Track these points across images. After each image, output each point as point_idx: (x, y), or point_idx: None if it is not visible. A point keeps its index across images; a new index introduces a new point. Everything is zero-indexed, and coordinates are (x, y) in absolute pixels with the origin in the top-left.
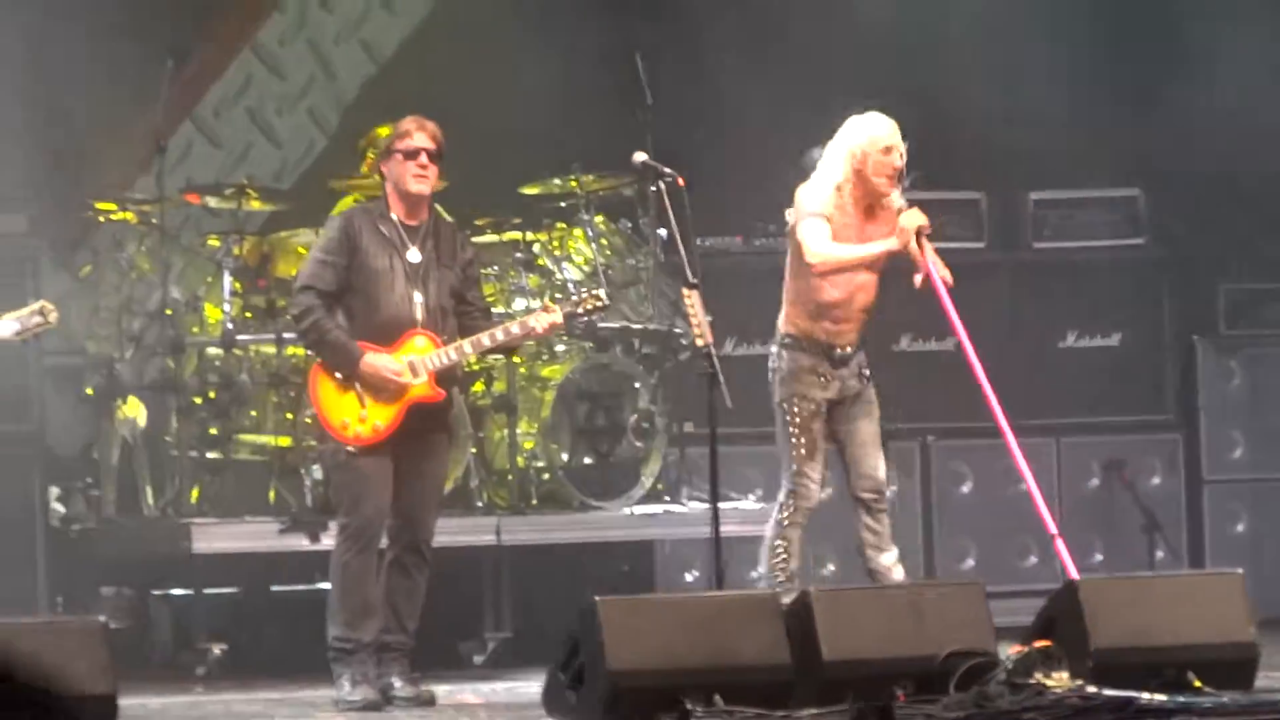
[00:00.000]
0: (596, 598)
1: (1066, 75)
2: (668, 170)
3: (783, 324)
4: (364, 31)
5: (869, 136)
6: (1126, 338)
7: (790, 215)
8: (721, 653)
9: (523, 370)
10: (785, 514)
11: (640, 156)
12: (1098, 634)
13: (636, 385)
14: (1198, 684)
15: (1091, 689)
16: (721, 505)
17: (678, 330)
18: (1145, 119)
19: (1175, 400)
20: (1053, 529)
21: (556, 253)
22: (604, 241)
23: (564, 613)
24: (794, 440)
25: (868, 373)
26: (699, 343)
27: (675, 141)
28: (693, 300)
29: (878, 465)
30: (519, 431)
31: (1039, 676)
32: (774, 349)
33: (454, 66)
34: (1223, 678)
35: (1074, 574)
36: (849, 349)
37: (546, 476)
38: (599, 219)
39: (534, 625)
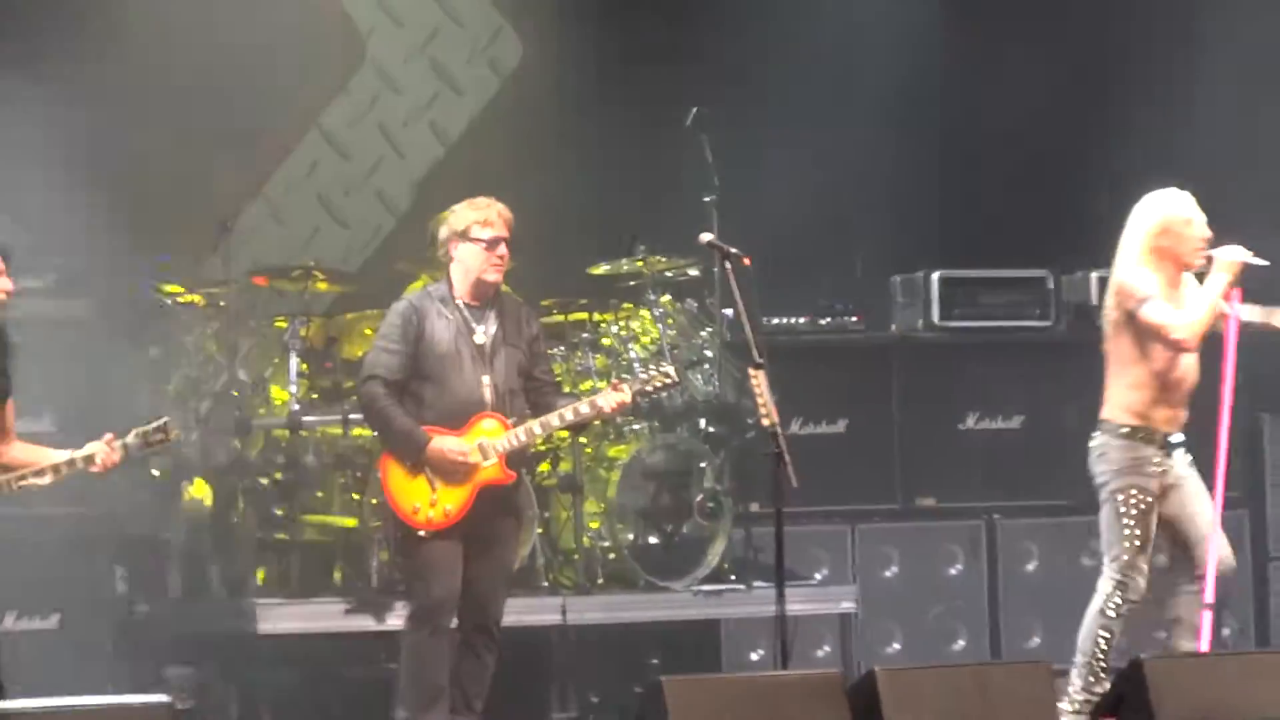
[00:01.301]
0: (662, 677)
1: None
2: (733, 250)
3: (1117, 414)
4: (432, 113)
5: (1168, 210)
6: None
7: (1110, 308)
8: None
9: (589, 450)
10: (1111, 606)
11: (706, 236)
12: (1164, 712)
13: (703, 465)
14: None
15: None
16: (787, 585)
17: (744, 410)
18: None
19: (1242, 476)
20: (1209, 599)
21: (623, 333)
22: (670, 321)
23: (629, 693)
24: (1127, 532)
25: (1190, 457)
26: (765, 422)
27: (743, 221)
28: (759, 379)
29: (1225, 547)
30: (585, 511)
31: None
32: (1103, 438)
33: (520, 146)
34: None
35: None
36: (1179, 435)
37: (612, 556)
38: (665, 299)
39: (599, 705)
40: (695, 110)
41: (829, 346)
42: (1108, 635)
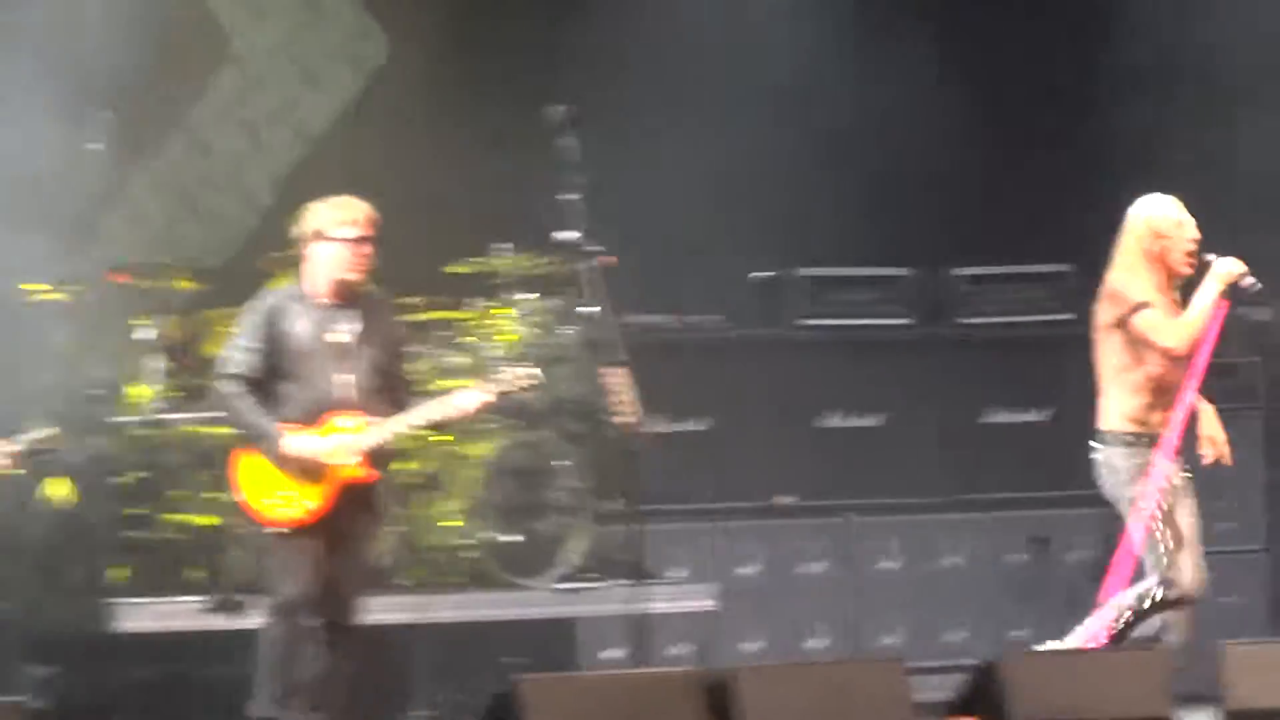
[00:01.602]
0: (517, 676)
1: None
2: (595, 248)
3: (1115, 422)
4: (296, 109)
5: (1156, 215)
6: (1058, 413)
7: (1105, 313)
8: None
9: (449, 448)
10: (1149, 597)
11: (566, 235)
12: (1019, 710)
13: (563, 463)
14: None
15: None
16: (646, 583)
17: (605, 408)
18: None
19: None
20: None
21: (484, 331)
22: (532, 320)
23: (487, 692)
24: (1160, 535)
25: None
26: (625, 421)
27: (607, 219)
28: (620, 378)
29: (1201, 562)
30: (444, 509)
31: None
32: (1105, 450)
33: (385, 143)
34: None
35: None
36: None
37: (471, 554)
38: (527, 297)
39: (456, 704)
40: (561, 108)
41: (693, 344)
42: (1132, 618)
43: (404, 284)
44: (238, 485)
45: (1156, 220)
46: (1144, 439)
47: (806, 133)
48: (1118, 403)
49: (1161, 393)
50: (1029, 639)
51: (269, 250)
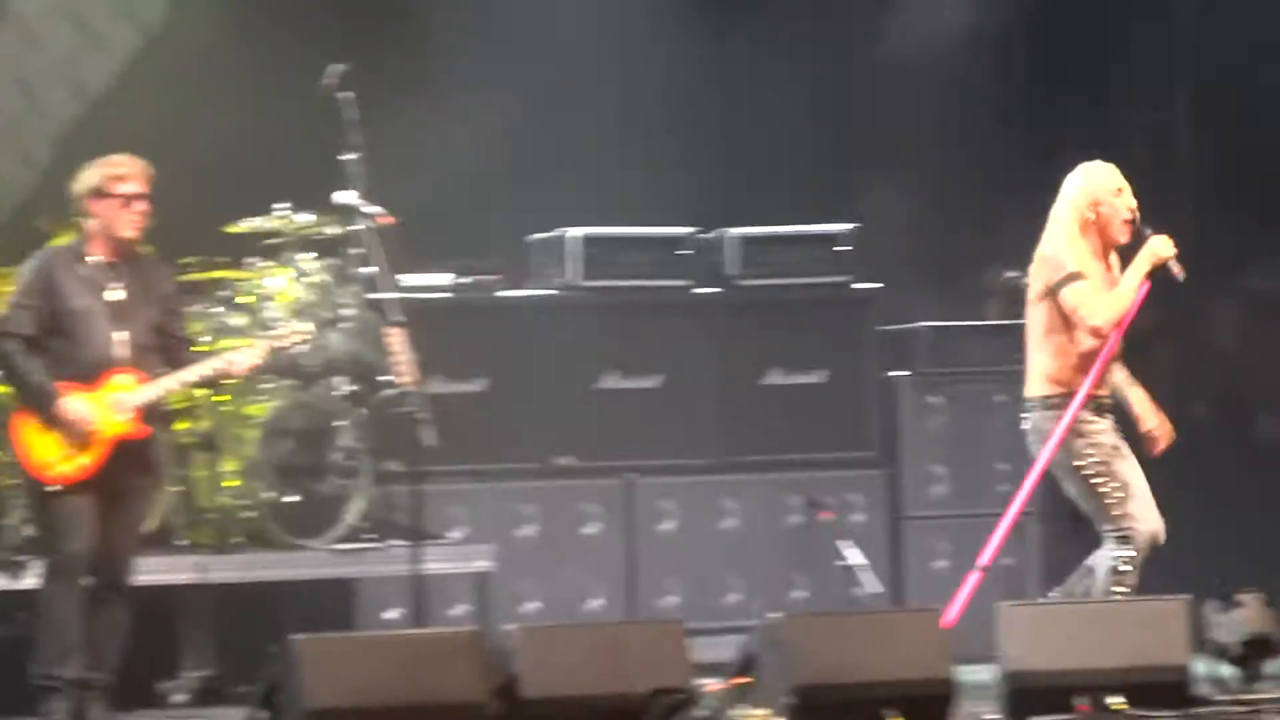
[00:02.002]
0: (294, 636)
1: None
2: (374, 208)
3: (1038, 387)
4: (73, 69)
5: (1096, 182)
6: (832, 374)
7: (1036, 279)
8: (421, 691)
9: (227, 408)
10: (1121, 562)
11: (343, 196)
12: (797, 671)
13: (341, 423)
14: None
15: None
16: (424, 543)
17: (383, 369)
18: (852, 157)
19: (878, 437)
20: (982, 562)
21: (262, 291)
22: (310, 280)
23: (265, 651)
24: (1104, 491)
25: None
26: (403, 381)
27: (388, 179)
28: (397, 338)
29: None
30: (223, 469)
31: (738, 713)
32: (1032, 417)
33: (164, 103)
34: (921, 713)
35: (953, 614)
36: (1108, 399)
37: (250, 514)
38: (305, 257)
39: (235, 664)
40: (340, 67)
41: (470, 305)
42: (1124, 590)
43: (184, 244)
44: (16, 443)
45: (1096, 187)
46: (1067, 400)
47: (586, 94)
48: (1042, 367)
49: (1086, 359)
50: (807, 600)
51: (47, 210)
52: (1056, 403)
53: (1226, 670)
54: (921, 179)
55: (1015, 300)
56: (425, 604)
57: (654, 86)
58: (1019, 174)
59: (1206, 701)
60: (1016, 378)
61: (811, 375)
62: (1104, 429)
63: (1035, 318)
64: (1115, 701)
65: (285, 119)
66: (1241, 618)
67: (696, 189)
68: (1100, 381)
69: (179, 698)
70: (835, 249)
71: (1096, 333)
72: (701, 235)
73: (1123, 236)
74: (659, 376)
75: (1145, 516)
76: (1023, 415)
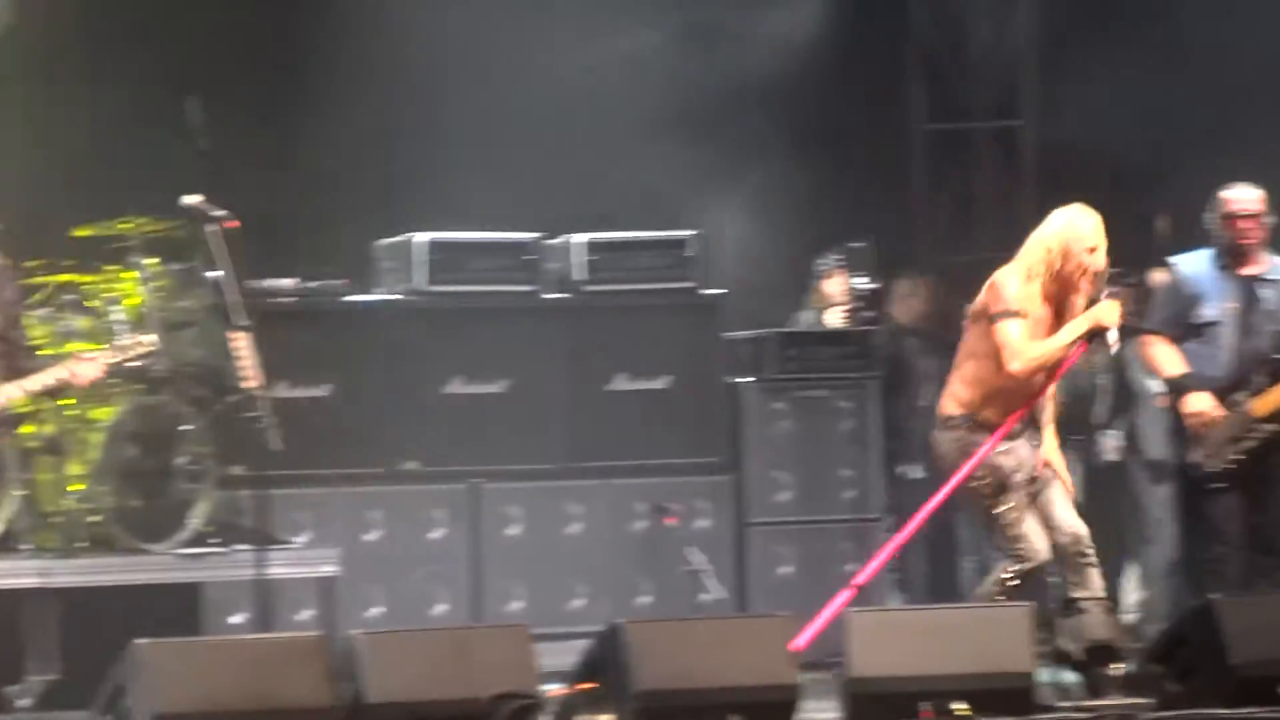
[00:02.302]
0: (139, 641)
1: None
2: (219, 212)
3: (947, 406)
4: None
5: (1073, 233)
6: (677, 380)
7: (979, 300)
8: (266, 696)
9: (72, 411)
10: (1007, 574)
11: (191, 199)
12: (642, 676)
13: (187, 427)
14: None
15: None
16: (269, 548)
17: (229, 373)
18: (698, 163)
19: (723, 443)
20: (859, 581)
21: (108, 295)
22: (156, 284)
23: (110, 656)
24: (997, 511)
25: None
26: (248, 385)
27: (235, 182)
28: (242, 342)
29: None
30: (67, 473)
31: (583, 718)
32: (936, 435)
33: (10, 107)
34: (764, 719)
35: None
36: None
37: (95, 519)
38: (151, 261)
39: (80, 668)
40: (190, 98)
41: (316, 310)
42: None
43: (28, 248)
44: None
45: (1072, 237)
46: (967, 421)
47: (432, 99)
48: (955, 387)
49: (997, 391)
50: (652, 605)
51: None
52: (955, 424)
53: (1070, 677)
54: (767, 186)
55: (866, 306)
56: (271, 608)
57: (503, 95)
58: (865, 181)
59: (1050, 708)
60: (861, 384)
61: (657, 381)
62: (1005, 451)
63: (967, 339)
64: (960, 708)
65: (132, 122)
66: (1085, 625)
67: (544, 195)
68: (1019, 418)
69: (23, 702)
70: (681, 255)
71: (1012, 375)
72: (548, 241)
73: (1080, 292)
74: (505, 382)
75: (1035, 537)
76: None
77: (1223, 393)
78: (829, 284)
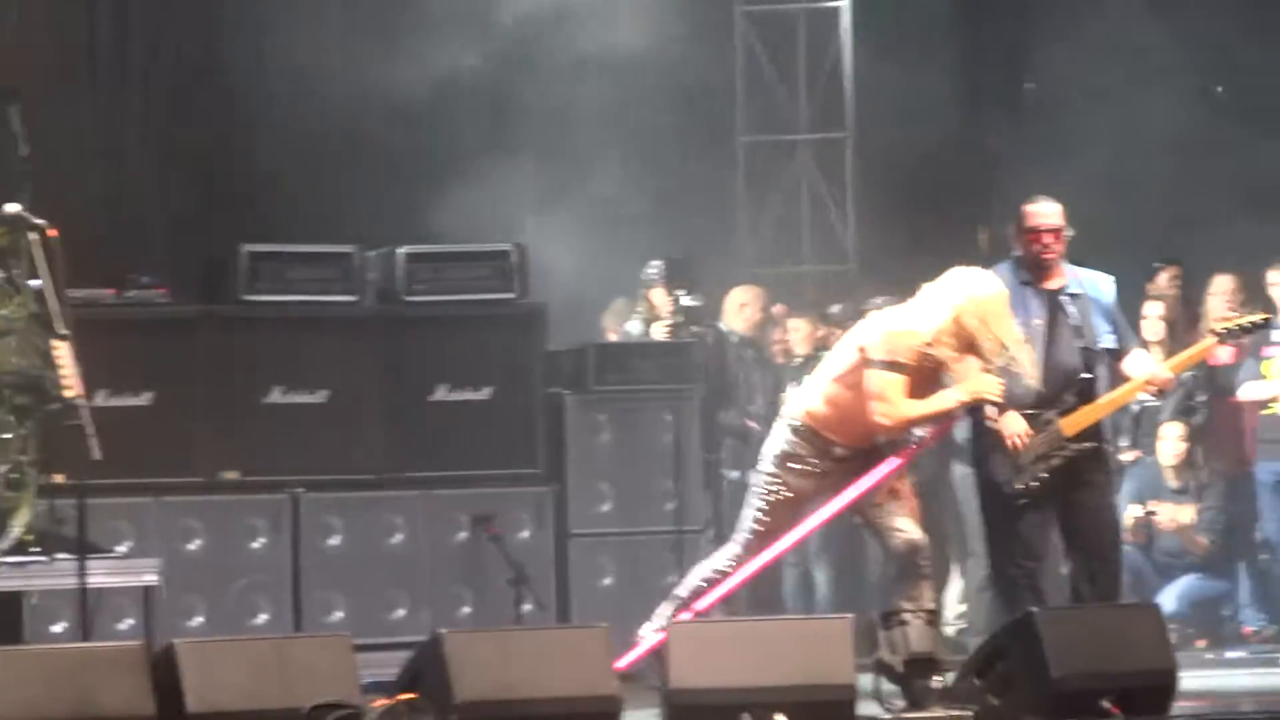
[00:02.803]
0: None
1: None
2: (39, 221)
3: (796, 410)
4: None
5: (991, 308)
6: (498, 391)
7: (870, 334)
8: (86, 705)
9: None
10: (725, 563)
11: (12, 207)
12: (463, 687)
13: (7, 436)
14: None
15: None
16: (90, 557)
17: (49, 381)
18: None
19: (544, 454)
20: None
21: None
22: None
23: None
24: (757, 515)
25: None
26: (68, 394)
27: (55, 190)
28: (62, 351)
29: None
30: None
31: None
32: (776, 427)
33: None
34: None
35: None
36: (848, 450)
37: None
38: None
39: None
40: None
41: (137, 319)
42: (706, 585)
43: None
44: None
45: (991, 314)
46: (804, 432)
47: (253, 109)
48: (813, 397)
49: (852, 422)
50: (473, 617)
51: None
52: (800, 431)
53: (890, 689)
54: (590, 200)
55: (689, 320)
56: (92, 617)
57: (328, 108)
58: (692, 194)
59: None
60: (683, 396)
61: (478, 392)
62: (806, 470)
63: (842, 353)
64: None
65: None
66: (904, 637)
67: (366, 207)
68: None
69: None
70: (503, 267)
71: (875, 426)
72: (370, 252)
73: (992, 358)
74: (325, 392)
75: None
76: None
77: (1032, 411)
78: (654, 296)
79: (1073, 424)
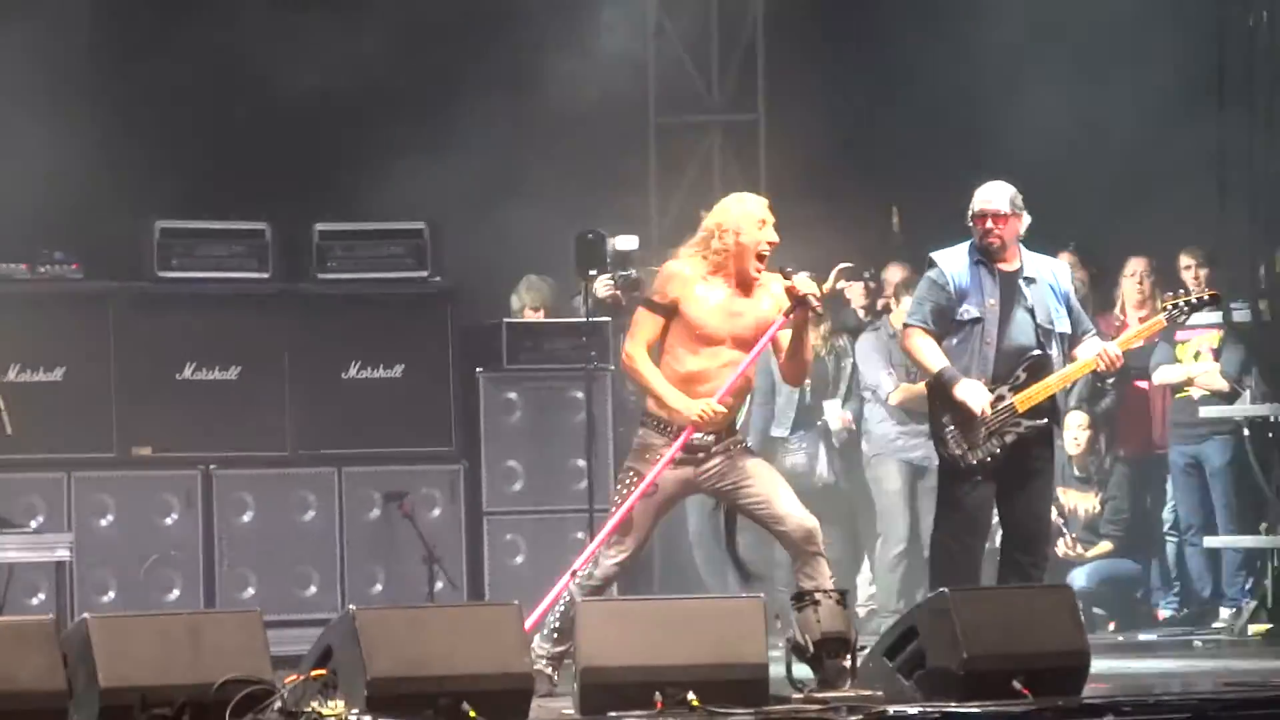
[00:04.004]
0: None
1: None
2: None
3: (648, 400)
4: None
5: (741, 209)
6: (410, 369)
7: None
8: None
9: None
10: (582, 575)
11: None
12: (374, 664)
13: None
14: (473, 714)
15: (367, 719)
16: (1, 531)
17: None
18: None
19: (456, 432)
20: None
21: None
22: None
23: None
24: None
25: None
26: None
27: None
28: None
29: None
30: None
31: (314, 705)
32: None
33: None
34: (497, 707)
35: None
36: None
37: None
38: None
39: None
40: None
41: (48, 295)
42: (567, 598)
43: None
44: None
45: (742, 214)
46: (652, 421)
47: (173, 91)
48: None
49: (686, 387)
50: (385, 594)
51: None
52: (642, 420)
53: (801, 669)
54: (501, 177)
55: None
56: (3, 592)
57: (234, 81)
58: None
59: (782, 700)
60: (595, 375)
61: (391, 370)
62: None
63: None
64: (691, 698)
65: None
66: (816, 616)
67: (278, 183)
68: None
69: None
70: (415, 245)
71: (621, 358)
72: (283, 229)
73: (754, 269)
74: (237, 368)
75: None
76: None
77: (986, 387)
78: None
79: (1025, 400)
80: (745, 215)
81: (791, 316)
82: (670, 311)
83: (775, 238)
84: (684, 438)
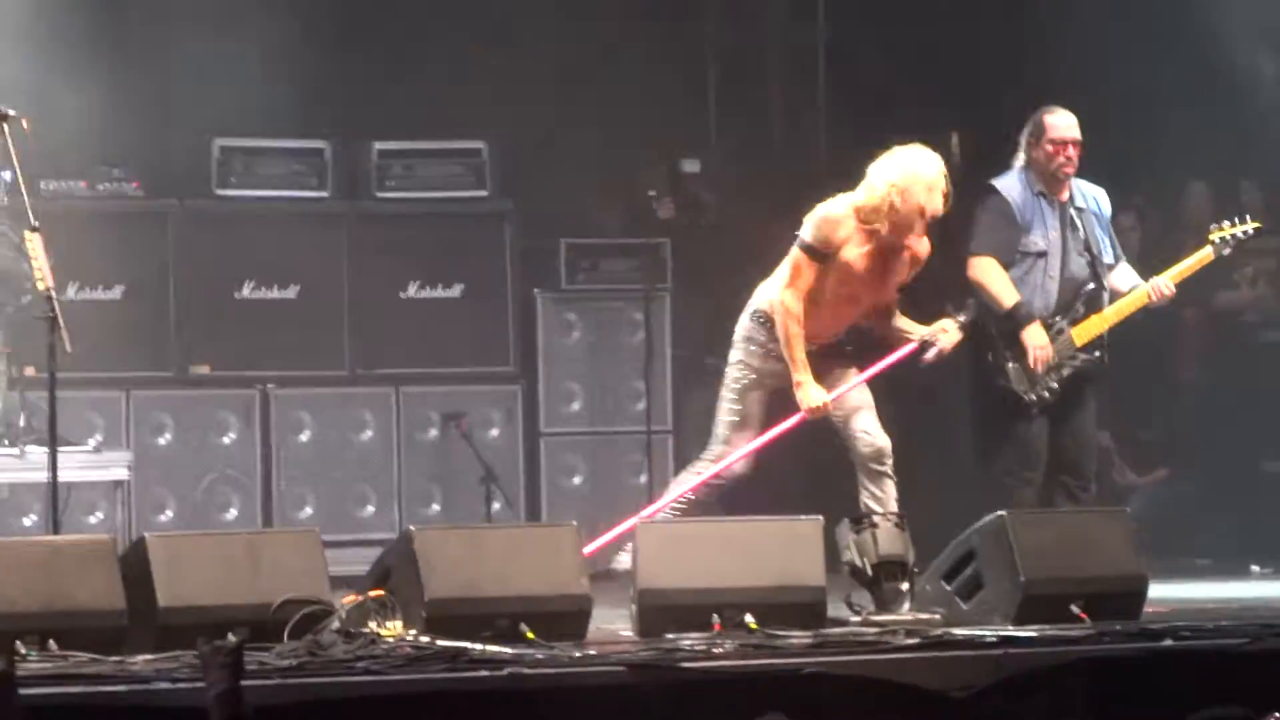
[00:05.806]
0: None
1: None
2: (11, 111)
3: (759, 299)
4: None
5: (913, 171)
6: (468, 289)
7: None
8: (56, 598)
9: None
10: (699, 464)
11: None
12: (432, 585)
13: None
14: (530, 635)
15: (425, 639)
16: (60, 450)
17: (21, 274)
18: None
19: (515, 352)
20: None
21: None
22: None
23: None
24: (725, 406)
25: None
26: (40, 286)
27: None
28: (34, 243)
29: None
30: None
31: (372, 626)
32: (744, 322)
33: None
34: (556, 628)
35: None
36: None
37: None
38: None
39: None
40: None
41: (108, 212)
42: (680, 488)
43: None
44: None
45: (912, 177)
46: (762, 317)
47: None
48: (773, 287)
49: (805, 314)
50: (443, 514)
51: None
52: (758, 316)
53: (859, 592)
54: (561, 98)
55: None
56: (62, 511)
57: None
58: (667, 95)
59: (840, 622)
60: (654, 296)
61: (449, 289)
62: (766, 353)
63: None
64: (749, 621)
65: None
66: (874, 540)
67: (337, 101)
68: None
69: None
70: (474, 164)
71: (773, 313)
72: (341, 147)
73: (917, 235)
74: (296, 287)
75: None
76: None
77: (1044, 321)
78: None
79: (1083, 333)
80: (917, 178)
81: (916, 344)
82: (830, 260)
83: (940, 207)
84: (791, 423)
